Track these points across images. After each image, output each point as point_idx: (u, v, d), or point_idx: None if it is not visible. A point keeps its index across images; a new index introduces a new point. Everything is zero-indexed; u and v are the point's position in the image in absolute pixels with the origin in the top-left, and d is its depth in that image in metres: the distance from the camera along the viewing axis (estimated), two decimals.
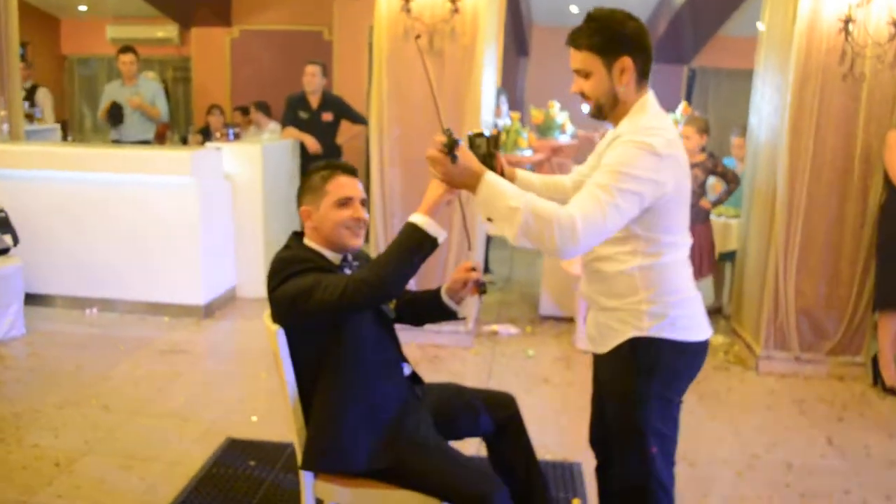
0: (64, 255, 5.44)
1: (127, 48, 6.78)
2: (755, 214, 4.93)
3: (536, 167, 6.63)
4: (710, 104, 10.34)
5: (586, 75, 2.11)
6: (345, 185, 2.32)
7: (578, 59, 2.11)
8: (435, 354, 4.80)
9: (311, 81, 6.40)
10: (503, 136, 5.99)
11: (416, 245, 2.12)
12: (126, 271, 5.40)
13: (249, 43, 8.71)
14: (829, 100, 4.41)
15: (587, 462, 3.48)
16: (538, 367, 4.71)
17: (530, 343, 5.14)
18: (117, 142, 6.73)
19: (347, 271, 2.36)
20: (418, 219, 2.14)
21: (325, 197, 2.31)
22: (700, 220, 5.14)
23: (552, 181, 2.47)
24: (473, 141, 2.20)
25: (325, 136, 6.48)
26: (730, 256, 5.56)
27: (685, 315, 2.16)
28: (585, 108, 2.21)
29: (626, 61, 2.06)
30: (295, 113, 6.48)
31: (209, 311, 5.47)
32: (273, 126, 7.67)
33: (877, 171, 4.43)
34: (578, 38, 2.10)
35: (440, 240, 2.15)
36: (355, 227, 2.33)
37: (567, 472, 3.41)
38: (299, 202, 2.39)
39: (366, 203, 2.38)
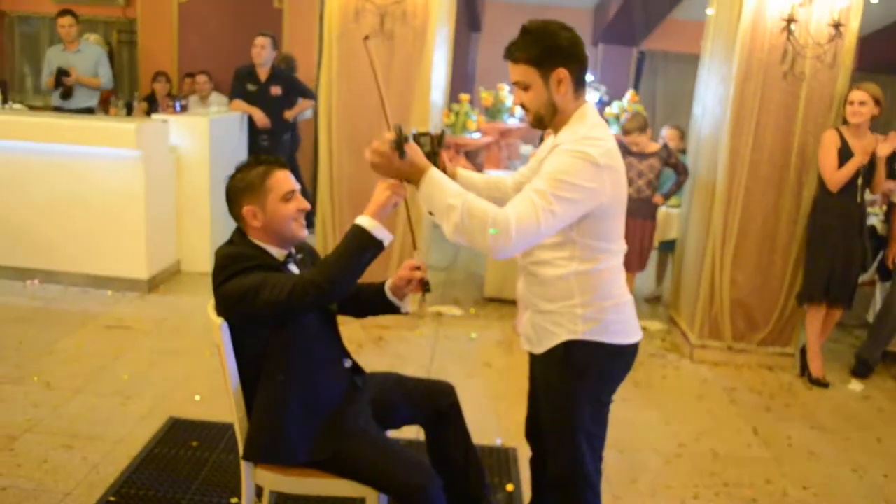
0: (4, 224, 5.35)
1: (65, 11, 6.56)
2: (696, 205, 5.06)
3: (486, 150, 6.67)
4: (659, 87, 10.49)
5: (525, 87, 2.16)
6: (284, 180, 2.35)
7: (517, 72, 2.16)
8: (379, 336, 4.86)
9: (261, 54, 6.33)
10: (450, 130, 6.02)
11: (362, 248, 2.18)
12: (69, 243, 5.33)
13: (198, 8, 8.46)
14: (770, 97, 4.54)
15: (522, 449, 3.60)
16: (480, 351, 4.80)
17: (474, 325, 5.23)
18: (59, 109, 6.57)
19: (292, 267, 2.40)
20: (365, 221, 2.19)
21: (270, 194, 2.32)
22: (650, 215, 5.20)
23: (493, 180, 2.53)
24: (419, 139, 2.25)
25: (273, 110, 6.43)
26: (670, 246, 5.69)
27: (619, 320, 2.25)
28: (525, 117, 2.27)
29: (563, 72, 2.11)
30: (243, 85, 6.42)
31: (153, 285, 5.45)
32: (216, 98, 7.56)
33: (812, 168, 4.58)
34: (515, 52, 2.15)
35: (386, 243, 2.21)
36: (301, 217, 2.38)
37: (503, 458, 3.51)
38: (238, 203, 2.36)
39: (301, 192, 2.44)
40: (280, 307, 2.16)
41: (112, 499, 2.97)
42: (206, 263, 5.79)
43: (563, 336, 2.24)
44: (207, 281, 2.40)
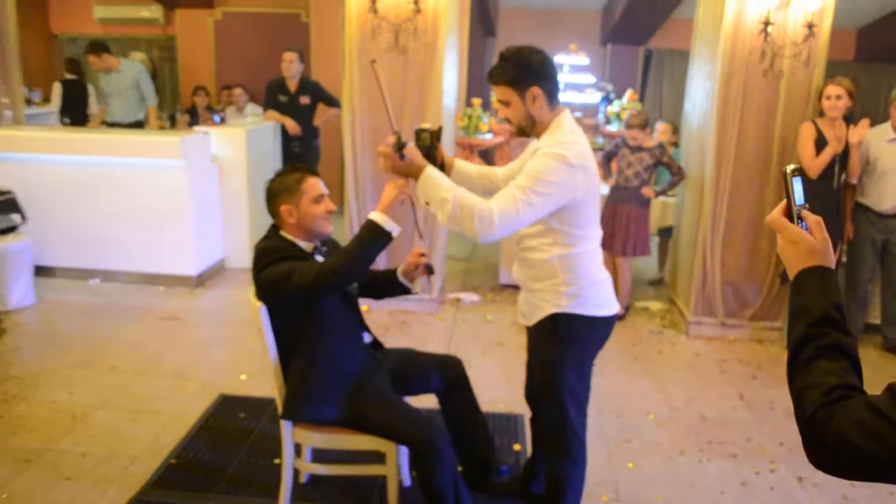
0: (68, 230, 5.94)
1: (89, 49, 7.04)
2: (688, 195, 5.50)
3: (497, 149, 7.13)
4: (665, 83, 10.82)
5: (506, 104, 2.59)
6: (316, 185, 2.83)
7: (498, 92, 2.59)
8: (403, 320, 5.36)
9: (289, 68, 6.85)
10: (458, 122, 6.45)
11: (374, 239, 2.65)
12: (125, 245, 5.91)
13: (232, 25, 8.99)
14: (752, 94, 4.95)
15: (528, 414, 4.08)
16: (495, 332, 5.28)
17: (489, 309, 5.71)
18: (110, 124, 7.17)
19: (318, 257, 2.89)
20: (376, 216, 2.66)
21: (304, 196, 2.79)
22: (639, 202, 5.49)
23: (485, 171, 2.93)
24: (419, 134, 2.68)
25: (303, 119, 6.96)
26: (669, 232, 6.10)
27: (595, 295, 2.67)
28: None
29: (536, 90, 2.52)
30: (275, 97, 6.95)
31: (200, 280, 6.02)
32: (251, 108, 8.10)
33: (792, 159, 4.97)
34: (495, 75, 2.57)
35: (394, 234, 2.68)
36: (328, 217, 2.86)
37: (511, 423, 4.00)
38: (276, 202, 2.83)
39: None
40: (307, 290, 2.64)
41: (173, 461, 3.48)
42: (247, 260, 6.29)
43: (549, 310, 2.67)
44: (249, 276, 2.87)
